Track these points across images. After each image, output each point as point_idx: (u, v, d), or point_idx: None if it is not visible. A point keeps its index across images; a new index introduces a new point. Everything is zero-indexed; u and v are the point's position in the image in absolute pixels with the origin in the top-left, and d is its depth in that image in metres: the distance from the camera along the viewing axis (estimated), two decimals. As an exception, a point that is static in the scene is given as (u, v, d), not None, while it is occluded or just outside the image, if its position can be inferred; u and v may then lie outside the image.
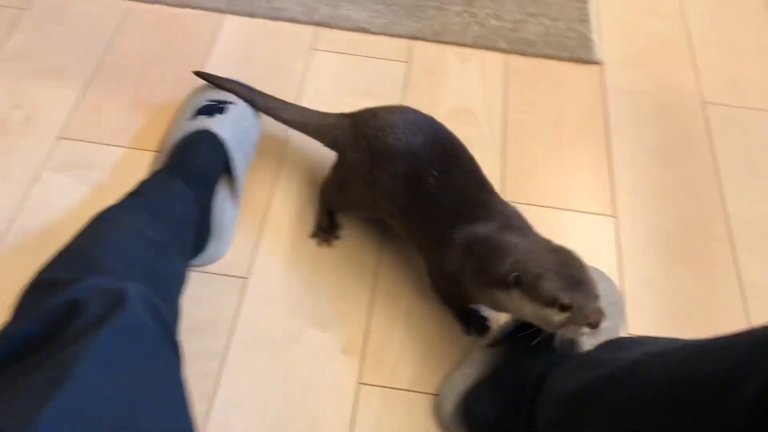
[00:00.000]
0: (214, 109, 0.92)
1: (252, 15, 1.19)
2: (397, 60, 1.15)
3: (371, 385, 0.82)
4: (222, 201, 0.89)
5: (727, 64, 1.20)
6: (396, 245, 0.93)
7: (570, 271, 0.69)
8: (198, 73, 1.00)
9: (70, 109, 1.03)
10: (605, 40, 1.22)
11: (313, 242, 0.93)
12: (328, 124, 0.92)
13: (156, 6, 1.18)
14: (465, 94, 1.12)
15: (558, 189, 1.02)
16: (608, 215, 0.99)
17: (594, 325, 0.67)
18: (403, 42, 1.18)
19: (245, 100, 0.96)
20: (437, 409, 0.79)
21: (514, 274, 0.70)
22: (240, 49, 1.14)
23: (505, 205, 0.80)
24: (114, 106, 1.04)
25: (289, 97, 1.08)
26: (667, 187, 1.03)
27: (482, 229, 0.76)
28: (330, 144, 0.92)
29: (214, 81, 0.98)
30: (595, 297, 0.69)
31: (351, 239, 0.94)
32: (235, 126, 0.92)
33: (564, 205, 1.00)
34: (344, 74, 1.13)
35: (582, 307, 0.67)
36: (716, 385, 0.52)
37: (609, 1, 1.29)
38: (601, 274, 0.85)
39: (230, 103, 0.94)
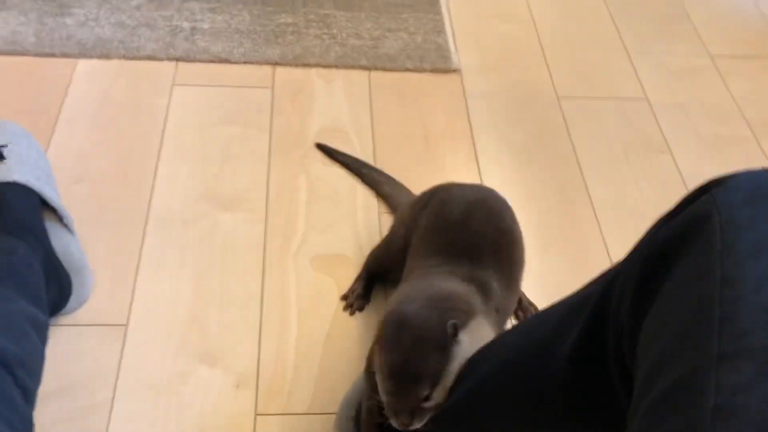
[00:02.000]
0: None
1: (107, 57, 1.16)
2: (261, 87, 1.15)
3: (269, 414, 0.81)
4: (59, 237, 0.84)
5: (575, 60, 1.28)
6: (277, 272, 0.93)
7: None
8: (319, 146, 1.07)
9: None
10: (461, 49, 1.27)
11: (191, 277, 0.91)
12: (412, 202, 0.91)
13: (0, 57, 1.13)
14: (333, 114, 1.13)
15: (432, 195, 1.04)
16: (483, 214, 1.03)
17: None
18: (266, 69, 1.18)
19: (355, 173, 1.04)
20: (336, 428, 0.79)
21: None
22: (97, 91, 1.11)
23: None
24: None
25: (153, 134, 1.06)
26: (533, 180, 1.08)
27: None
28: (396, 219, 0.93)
29: (330, 152, 1.06)
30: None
31: (235, 270, 0.92)
32: (25, 163, 0.86)
33: (440, 210, 1.02)
34: (209, 106, 1.12)
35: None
36: (539, 352, 0.55)
37: (461, 11, 1.34)
38: None
39: (2, 146, 0.85)
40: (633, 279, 0.46)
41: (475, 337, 0.69)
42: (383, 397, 0.67)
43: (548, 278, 0.96)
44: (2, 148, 0.84)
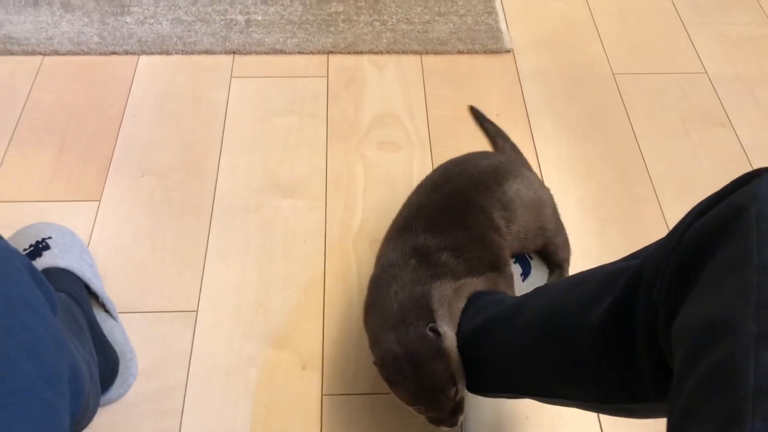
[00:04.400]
0: (37, 252, 0.86)
1: (166, 52, 1.20)
2: (316, 76, 1.17)
3: (334, 394, 0.83)
4: (103, 323, 0.85)
5: (630, 35, 1.26)
6: (338, 256, 0.95)
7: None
8: (472, 109, 1.11)
9: (-6, 172, 1.02)
10: (513, 29, 1.26)
11: (256, 263, 0.94)
12: None
13: (67, 57, 1.18)
14: (387, 99, 1.15)
15: (488, 176, 1.05)
16: (539, 194, 1.03)
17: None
18: (320, 58, 1.20)
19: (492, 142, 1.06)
20: None
21: None
22: (159, 87, 1.15)
23: None
24: (38, 163, 1.04)
25: (215, 126, 1.10)
26: (590, 157, 1.08)
27: None
28: None
29: (479, 117, 1.10)
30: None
31: (297, 255, 0.95)
32: (70, 253, 0.88)
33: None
34: (267, 96, 1.14)
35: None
36: (570, 318, 0.59)
37: (511, -10, 1.33)
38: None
39: (47, 238, 0.88)
40: (671, 265, 0.49)
41: (451, 313, 0.74)
42: (424, 416, 0.73)
43: (607, 256, 0.95)
44: (47, 240, 0.87)
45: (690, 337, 0.44)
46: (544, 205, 0.88)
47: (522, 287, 0.90)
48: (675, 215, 0.99)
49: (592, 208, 1.01)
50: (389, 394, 0.83)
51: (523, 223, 0.85)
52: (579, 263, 0.94)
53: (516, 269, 0.91)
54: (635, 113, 1.13)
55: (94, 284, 0.85)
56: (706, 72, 1.20)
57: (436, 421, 0.73)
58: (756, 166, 1.04)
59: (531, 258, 0.93)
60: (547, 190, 0.91)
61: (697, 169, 1.06)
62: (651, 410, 0.57)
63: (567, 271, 0.92)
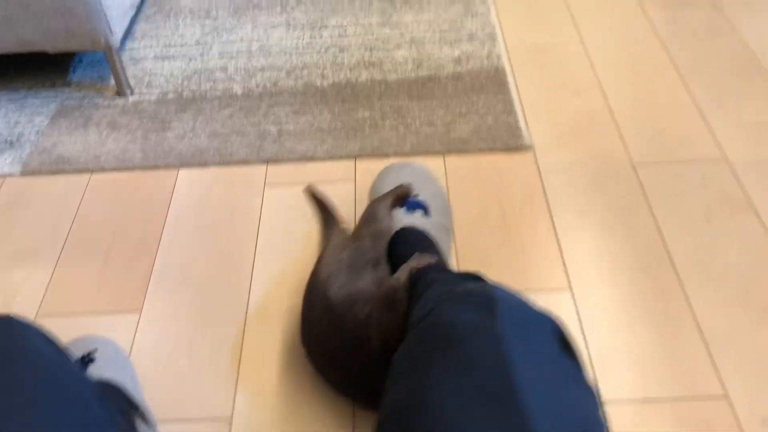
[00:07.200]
0: (83, 365, 0.90)
1: (204, 164, 1.28)
2: (344, 180, 1.23)
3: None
4: None
5: (648, 125, 1.29)
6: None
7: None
8: (308, 190, 1.19)
9: (44, 288, 1.09)
10: (533, 126, 1.31)
11: (288, 369, 0.96)
12: None
13: (113, 173, 1.27)
14: (412, 200, 1.19)
15: (513, 272, 1.07)
16: (565, 289, 1.04)
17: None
18: (348, 162, 1.26)
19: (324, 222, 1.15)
20: None
21: None
22: (197, 198, 1.22)
23: None
24: (84, 276, 1.10)
25: (250, 234, 1.15)
26: (614, 251, 1.09)
27: None
28: None
29: (317, 200, 1.18)
30: None
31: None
32: (114, 365, 0.92)
33: (522, 286, 1.05)
34: (297, 203, 1.20)
35: None
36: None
37: (530, 90, 1.39)
38: (425, 172, 1.08)
39: (93, 350, 0.93)
40: None
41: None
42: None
43: (635, 353, 0.96)
44: (93, 353, 0.92)
45: None
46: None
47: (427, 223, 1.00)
48: (701, 307, 1.00)
49: (620, 303, 1.02)
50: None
51: None
52: (611, 361, 0.95)
53: (417, 213, 1.00)
54: (657, 203, 1.15)
55: (136, 396, 0.89)
56: (725, 158, 1.22)
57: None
58: (782, 253, 1.05)
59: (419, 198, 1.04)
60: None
61: (722, 257, 1.07)
62: None
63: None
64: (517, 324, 0.59)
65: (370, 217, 0.97)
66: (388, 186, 1.06)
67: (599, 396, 0.58)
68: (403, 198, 1.01)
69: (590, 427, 0.53)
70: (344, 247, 0.94)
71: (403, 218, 0.99)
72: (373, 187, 1.11)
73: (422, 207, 1.03)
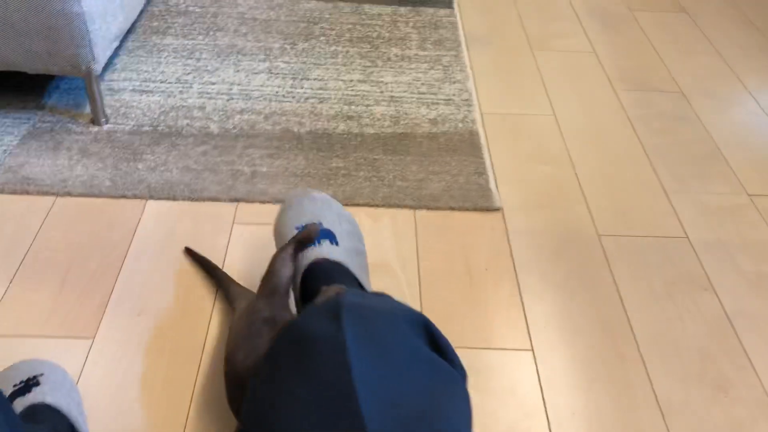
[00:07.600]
0: (27, 388, 0.87)
1: (173, 198, 1.27)
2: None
3: None
4: None
5: (614, 199, 1.33)
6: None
7: None
8: (188, 251, 1.16)
9: (-7, 306, 1.05)
10: (503, 189, 1.33)
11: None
12: None
13: (79, 198, 1.24)
14: (380, 250, 1.19)
15: (475, 329, 1.07)
16: (526, 349, 1.04)
17: None
18: (319, 208, 1.26)
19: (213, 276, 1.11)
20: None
21: None
22: (163, 230, 1.20)
23: None
24: (38, 298, 1.07)
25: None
26: (576, 316, 1.10)
27: None
28: None
29: (200, 260, 1.14)
30: None
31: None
32: (59, 390, 0.88)
33: (483, 345, 1.05)
34: (263, 243, 1.19)
35: None
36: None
37: (502, 155, 1.42)
38: (325, 199, 1.03)
39: (39, 375, 0.89)
40: None
41: None
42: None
43: (592, 416, 0.96)
44: (38, 377, 0.89)
45: None
46: None
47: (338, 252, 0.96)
48: (659, 376, 1.01)
49: (579, 366, 1.03)
50: None
51: None
52: (568, 424, 0.94)
53: (325, 243, 0.97)
54: (620, 274, 1.17)
55: (79, 423, 0.85)
56: (687, 237, 1.26)
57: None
58: (739, 331, 1.07)
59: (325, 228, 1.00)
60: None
61: (681, 332, 1.08)
62: None
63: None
64: (361, 327, 0.64)
65: (267, 273, 0.92)
66: (290, 226, 1.01)
67: (464, 381, 0.65)
68: (306, 242, 0.95)
69: (434, 414, 0.58)
70: (242, 314, 0.89)
71: (312, 252, 0.95)
72: (275, 230, 1.04)
73: (328, 236, 0.98)
